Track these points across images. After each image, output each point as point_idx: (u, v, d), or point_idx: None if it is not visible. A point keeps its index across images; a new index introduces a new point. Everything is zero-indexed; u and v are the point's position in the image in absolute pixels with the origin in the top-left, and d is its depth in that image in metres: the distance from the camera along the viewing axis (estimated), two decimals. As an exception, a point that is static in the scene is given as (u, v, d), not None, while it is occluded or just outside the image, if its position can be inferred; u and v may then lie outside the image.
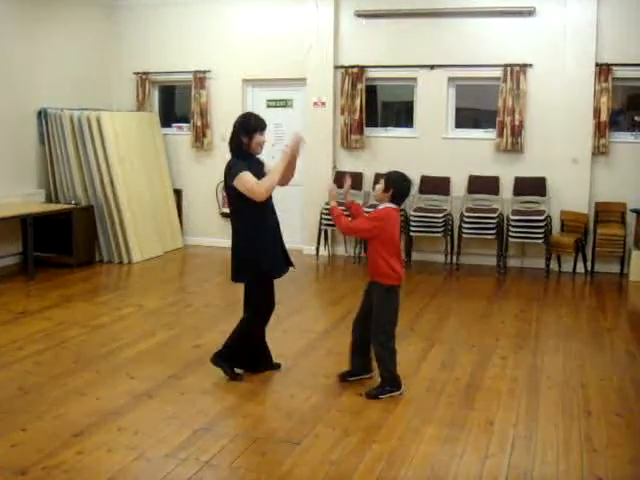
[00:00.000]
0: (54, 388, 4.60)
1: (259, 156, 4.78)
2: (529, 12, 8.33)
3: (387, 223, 4.47)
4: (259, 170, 4.64)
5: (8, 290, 7.28)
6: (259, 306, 4.75)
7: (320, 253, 9.14)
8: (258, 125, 4.64)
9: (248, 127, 4.63)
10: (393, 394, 4.51)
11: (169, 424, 4.06)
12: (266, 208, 4.65)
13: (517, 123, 8.42)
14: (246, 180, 4.48)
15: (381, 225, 4.46)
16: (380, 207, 4.56)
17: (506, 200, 8.56)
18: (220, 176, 9.44)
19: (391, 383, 4.53)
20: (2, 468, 3.53)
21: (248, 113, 4.88)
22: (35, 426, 4.02)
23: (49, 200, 8.83)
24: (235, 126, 4.66)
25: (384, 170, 8.78)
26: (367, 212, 4.91)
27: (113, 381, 4.77)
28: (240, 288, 4.80)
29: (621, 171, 8.29)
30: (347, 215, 4.69)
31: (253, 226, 4.61)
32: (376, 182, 4.82)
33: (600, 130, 8.19)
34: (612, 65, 8.08)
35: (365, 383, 4.69)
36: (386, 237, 4.46)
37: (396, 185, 4.52)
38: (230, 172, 4.57)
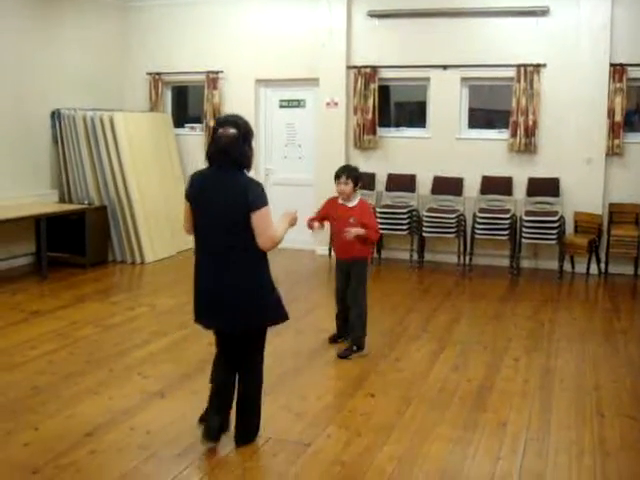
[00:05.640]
0: (67, 387, 4.62)
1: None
2: (543, 12, 8.29)
3: None
4: None
5: (21, 290, 7.32)
6: (262, 361, 3.81)
7: (332, 254, 9.09)
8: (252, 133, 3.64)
9: (249, 134, 3.60)
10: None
11: (181, 424, 4.06)
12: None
13: (530, 123, 8.37)
14: (270, 217, 3.53)
15: None
16: (356, 201, 5.35)
17: (519, 201, 8.51)
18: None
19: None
20: (15, 467, 3.56)
21: (239, 116, 3.63)
22: (47, 425, 4.04)
23: (62, 200, 8.87)
24: (241, 131, 3.55)
25: (397, 170, 9.02)
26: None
27: (125, 381, 4.78)
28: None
29: (635, 172, 8.22)
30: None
31: (265, 262, 3.68)
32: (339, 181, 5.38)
33: (614, 130, 8.14)
34: (626, 65, 8.02)
35: (376, 382, 4.68)
36: None
37: (360, 177, 5.41)
38: (254, 196, 3.47)
